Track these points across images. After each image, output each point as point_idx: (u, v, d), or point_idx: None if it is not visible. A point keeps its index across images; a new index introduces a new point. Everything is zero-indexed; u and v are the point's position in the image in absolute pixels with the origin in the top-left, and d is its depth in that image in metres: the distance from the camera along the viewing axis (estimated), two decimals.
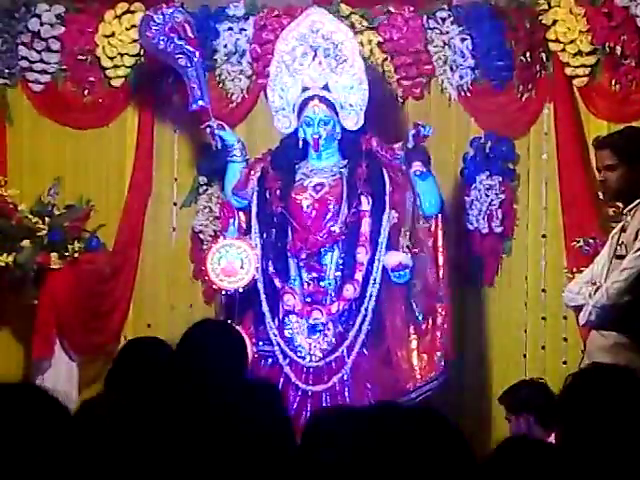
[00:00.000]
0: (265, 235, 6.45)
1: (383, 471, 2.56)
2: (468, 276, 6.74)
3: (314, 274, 6.34)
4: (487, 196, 6.66)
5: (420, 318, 6.32)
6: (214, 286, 6.49)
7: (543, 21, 6.55)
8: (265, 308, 6.33)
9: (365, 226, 6.30)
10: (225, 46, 6.83)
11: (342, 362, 6.21)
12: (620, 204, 5.44)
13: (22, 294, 6.82)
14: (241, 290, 6.37)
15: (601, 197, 6.08)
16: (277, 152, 6.53)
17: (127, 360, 4.03)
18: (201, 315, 6.65)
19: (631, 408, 2.94)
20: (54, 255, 6.72)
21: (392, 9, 6.70)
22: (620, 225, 5.23)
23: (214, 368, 3.90)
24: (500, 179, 6.66)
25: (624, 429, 2.88)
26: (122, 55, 6.89)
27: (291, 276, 6.38)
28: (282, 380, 6.06)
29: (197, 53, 6.53)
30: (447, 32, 6.67)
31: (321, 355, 6.23)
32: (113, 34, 6.86)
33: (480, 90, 6.72)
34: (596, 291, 5.07)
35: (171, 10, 6.56)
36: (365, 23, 6.70)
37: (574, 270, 6.09)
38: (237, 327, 5.30)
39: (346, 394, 6.17)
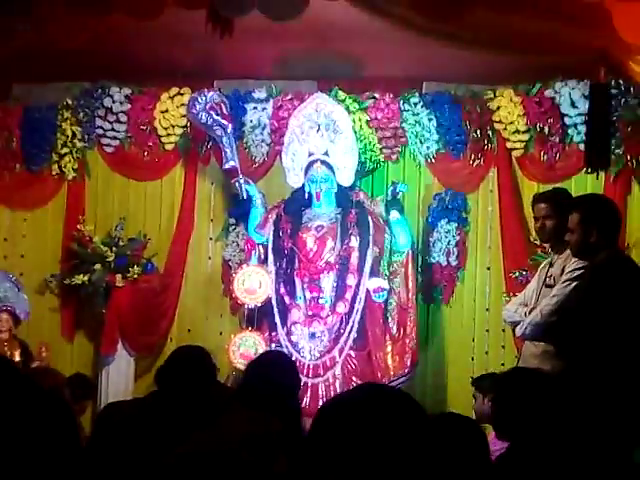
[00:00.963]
0: (278, 264, 6.63)
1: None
2: (430, 297, 6.86)
3: (314, 294, 6.53)
4: (446, 237, 6.82)
5: (394, 329, 6.56)
6: (239, 301, 6.70)
7: (490, 107, 6.71)
8: (277, 319, 6.54)
9: (354, 258, 6.52)
10: (251, 121, 6.93)
11: (334, 361, 6.42)
12: (548, 245, 5.44)
13: (94, 306, 6.98)
14: (259, 305, 6.60)
15: (535, 239, 6.16)
16: (288, 201, 6.74)
17: (176, 362, 3.90)
18: (229, 323, 6.96)
19: (539, 401, 3.21)
20: (119, 276, 6.91)
21: (377, 95, 6.79)
22: (548, 260, 5.22)
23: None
24: (456, 225, 6.82)
25: (536, 415, 3.14)
26: (173, 126, 7.02)
27: (297, 295, 6.56)
28: None
29: (230, 126, 6.75)
30: (418, 113, 6.78)
31: (318, 355, 6.42)
32: (167, 110, 6.99)
33: (442, 157, 6.84)
34: (531, 311, 4.99)
35: (211, 93, 6.75)
36: (356, 105, 6.77)
37: (511, 294, 6.28)
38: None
39: (337, 385, 6.33)
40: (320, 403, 6.27)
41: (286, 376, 4.08)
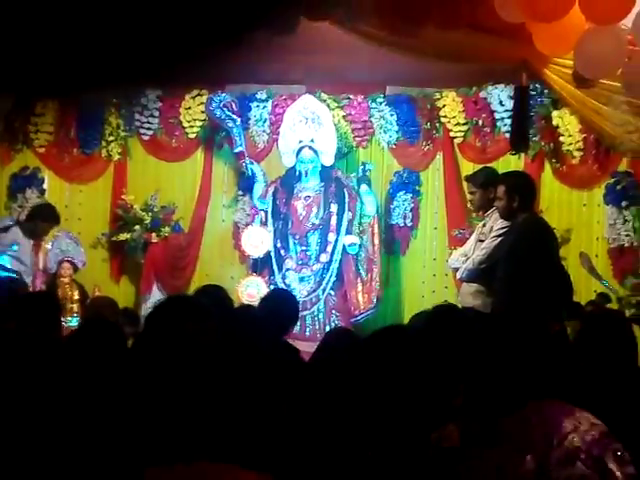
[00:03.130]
0: (276, 225, 6.63)
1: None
2: (391, 250, 6.85)
3: (303, 247, 6.56)
4: (403, 205, 6.79)
5: (363, 274, 6.59)
6: (245, 253, 6.73)
7: (437, 105, 6.69)
8: (275, 267, 6.56)
9: (333, 220, 6.54)
10: (255, 116, 6.89)
11: (318, 298, 6.46)
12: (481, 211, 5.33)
13: (134, 257, 6.99)
14: (261, 256, 6.60)
15: (471, 207, 6.01)
16: (283, 177, 6.74)
17: (199, 295, 3.74)
18: (238, 270, 6.89)
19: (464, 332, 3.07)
20: (153, 235, 6.90)
21: (351, 96, 6.80)
22: (482, 222, 5.18)
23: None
24: (411, 195, 6.80)
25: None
26: (195, 120, 6.95)
27: (290, 249, 6.58)
28: None
29: (238, 120, 6.73)
30: (382, 110, 6.78)
31: (306, 294, 6.42)
32: (190, 107, 6.93)
33: (400, 144, 6.83)
34: (466, 260, 5.08)
35: (224, 95, 6.74)
36: (335, 104, 6.78)
37: (452, 247, 6.31)
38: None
39: (320, 317, 6.41)
40: (307, 330, 6.39)
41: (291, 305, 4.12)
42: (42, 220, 6.26)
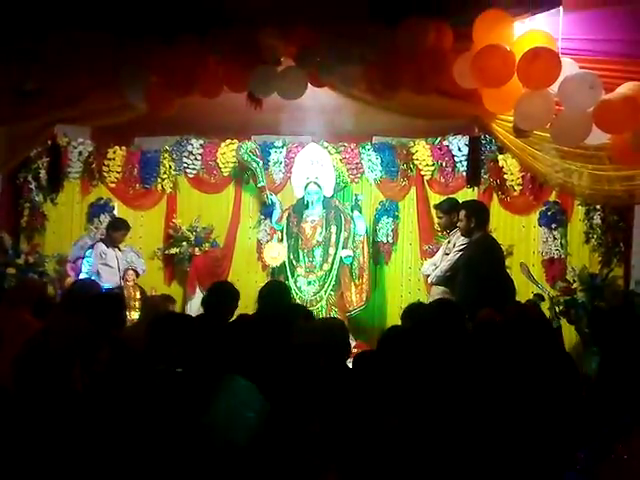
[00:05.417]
0: (289, 242, 6.54)
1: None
2: (377, 261, 6.74)
3: (310, 259, 6.47)
4: (386, 226, 6.71)
5: (356, 279, 6.51)
6: (266, 263, 6.65)
7: (412, 151, 6.61)
8: (288, 273, 6.48)
9: (332, 238, 6.45)
10: (273, 159, 6.83)
11: (321, 298, 6.36)
12: (445, 231, 5.39)
13: (182, 266, 6.90)
14: (278, 265, 6.56)
15: (437, 228, 6.11)
16: (295, 206, 6.63)
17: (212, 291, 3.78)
18: (261, 276, 6.80)
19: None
20: (197, 249, 6.83)
21: (346, 144, 6.73)
22: (447, 240, 5.18)
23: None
24: (392, 219, 6.71)
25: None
26: (228, 162, 6.90)
27: (300, 260, 6.48)
28: None
29: (261, 162, 6.67)
30: (370, 154, 6.71)
31: (312, 294, 6.35)
32: (224, 152, 6.88)
33: (384, 181, 6.73)
34: (436, 269, 5.07)
35: (250, 142, 6.73)
36: (334, 150, 6.72)
37: (424, 259, 6.30)
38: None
39: (323, 312, 6.27)
40: None
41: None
42: (114, 230, 6.26)
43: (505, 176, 6.34)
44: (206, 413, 1.41)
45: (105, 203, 6.99)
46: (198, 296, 6.78)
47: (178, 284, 7.08)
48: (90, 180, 6.96)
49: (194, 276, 6.91)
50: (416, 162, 6.71)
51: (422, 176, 6.73)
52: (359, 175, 6.89)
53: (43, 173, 6.40)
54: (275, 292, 3.95)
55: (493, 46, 3.83)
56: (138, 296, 6.45)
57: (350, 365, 2.87)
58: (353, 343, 5.17)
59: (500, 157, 6.28)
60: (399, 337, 2.71)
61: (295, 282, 6.46)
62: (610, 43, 3.92)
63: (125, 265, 6.42)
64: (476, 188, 6.10)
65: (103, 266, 6.16)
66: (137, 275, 6.55)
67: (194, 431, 1.47)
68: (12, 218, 6.54)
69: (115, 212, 6.96)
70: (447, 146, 6.60)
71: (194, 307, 6.73)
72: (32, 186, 6.53)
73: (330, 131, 6.48)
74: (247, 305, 5.73)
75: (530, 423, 2.21)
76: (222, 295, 3.69)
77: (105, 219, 6.81)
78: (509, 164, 6.24)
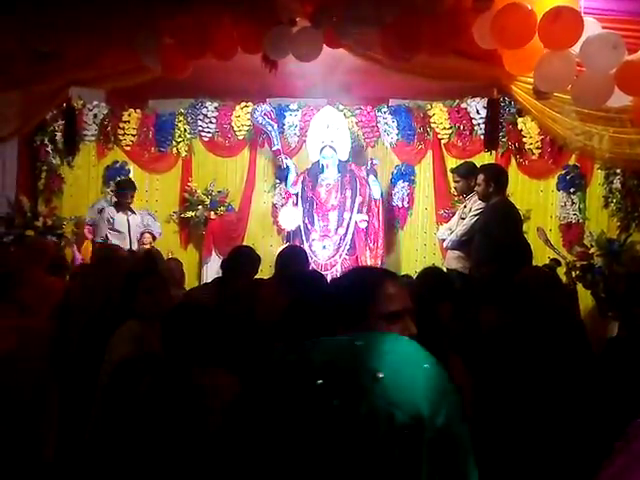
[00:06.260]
0: (304, 206, 6.59)
1: None
2: (393, 226, 6.79)
3: (325, 223, 6.52)
4: (401, 191, 6.76)
5: (371, 244, 6.57)
6: (281, 227, 6.75)
7: (429, 114, 6.62)
8: (303, 237, 6.51)
9: (348, 202, 6.50)
10: (288, 122, 6.84)
11: (336, 262, 6.43)
12: (462, 196, 5.35)
13: (198, 230, 6.95)
14: (293, 229, 6.61)
15: (454, 192, 6.15)
16: (310, 169, 6.64)
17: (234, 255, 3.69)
18: (276, 240, 6.88)
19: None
20: (212, 213, 6.90)
21: (362, 107, 6.72)
22: (463, 204, 5.15)
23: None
24: (408, 183, 6.76)
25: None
26: (243, 125, 6.91)
27: (315, 224, 6.53)
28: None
29: (275, 125, 6.74)
30: (386, 118, 6.72)
31: (327, 258, 6.42)
32: (239, 116, 6.89)
33: (400, 144, 6.75)
34: (451, 233, 5.06)
35: (265, 105, 6.75)
36: (350, 113, 6.73)
37: (439, 224, 6.38)
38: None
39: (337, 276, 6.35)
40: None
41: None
42: (119, 190, 6.19)
43: (524, 139, 6.31)
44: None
45: (121, 166, 7.01)
46: (214, 259, 6.90)
47: (194, 247, 7.14)
48: (106, 143, 6.97)
49: (210, 240, 6.97)
50: (433, 125, 6.69)
51: (439, 139, 6.71)
52: (375, 139, 6.88)
53: (59, 136, 6.43)
54: (294, 257, 3.86)
55: (514, 5, 3.73)
56: None
57: None
58: None
59: (519, 120, 6.25)
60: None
61: (310, 246, 6.48)
62: (634, 2, 3.82)
63: (141, 228, 6.48)
64: (494, 152, 6.03)
65: (111, 231, 6.13)
66: (154, 238, 6.62)
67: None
68: (30, 181, 6.58)
69: (131, 175, 7.04)
70: (465, 109, 6.56)
71: (211, 270, 6.82)
72: (49, 149, 6.59)
73: (346, 93, 6.44)
74: (262, 269, 5.86)
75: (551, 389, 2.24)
76: (243, 260, 3.68)
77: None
78: (528, 127, 6.20)
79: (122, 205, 6.19)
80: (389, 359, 1.15)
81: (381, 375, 1.11)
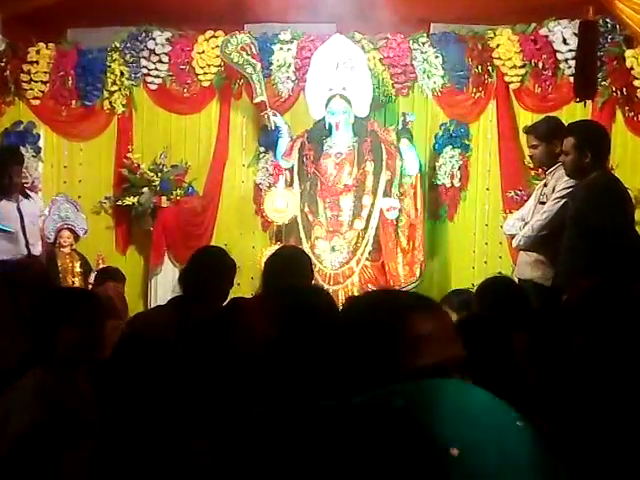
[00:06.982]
0: (303, 186, 6.56)
1: None
2: (436, 215, 6.84)
3: (335, 212, 6.44)
4: (450, 162, 6.76)
5: (404, 242, 6.51)
6: (268, 219, 6.74)
7: (490, 45, 6.65)
8: (302, 234, 6.45)
9: (369, 181, 6.42)
10: (277, 60, 6.85)
11: (352, 270, 6.33)
12: (541, 169, 5.37)
13: (143, 224, 6.99)
14: (286, 222, 6.57)
15: (529, 163, 6.15)
16: (311, 131, 6.62)
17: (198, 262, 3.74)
18: (260, 239, 6.93)
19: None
20: (164, 198, 6.89)
21: (389, 36, 6.74)
22: (543, 182, 5.15)
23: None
24: (459, 151, 6.76)
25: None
26: (209, 66, 6.93)
27: (319, 213, 6.48)
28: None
29: (258, 65, 6.69)
30: (425, 52, 6.72)
31: (338, 266, 6.35)
32: (203, 51, 6.91)
33: (447, 91, 6.76)
34: (525, 226, 5.01)
35: (242, 35, 6.71)
36: (371, 45, 6.73)
37: (507, 212, 6.32)
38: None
39: (354, 292, 6.18)
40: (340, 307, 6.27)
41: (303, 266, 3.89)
42: None
43: (635, 83, 6.32)
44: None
45: (26, 129, 7.05)
46: (167, 269, 6.93)
47: (137, 251, 7.20)
48: (3, 95, 7.01)
49: (161, 239, 7.00)
50: (497, 62, 6.69)
51: (506, 84, 6.71)
52: (409, 84, 6.87)
53: None
54: (289, 265, 3.86)
55: None
56: (78, 269, 6.57)
57: None
58: None
59: (628, 53, 6.26)
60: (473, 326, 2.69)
61: (312, 247, 6.45)
62: None
63: (56, 223, 6.49)
64: (589, 102, 5.94)
65: None
66: (76, 237, 6.64)
67: None
68: None
69: (41, 143, 7.02)
70: (545, 37, 6.56)
71: (162, 286, 6.83)
72: None
73: (365, 15, 6.37)
74: (240, 282, 5.78)
75: None
76: (211, 269, 3.68)
77: (27, 153, 6.78)
78: None
79: (4, 188, 5.71)
80: (461, 422, 1.10)
81: (456, 452, 1.06)
